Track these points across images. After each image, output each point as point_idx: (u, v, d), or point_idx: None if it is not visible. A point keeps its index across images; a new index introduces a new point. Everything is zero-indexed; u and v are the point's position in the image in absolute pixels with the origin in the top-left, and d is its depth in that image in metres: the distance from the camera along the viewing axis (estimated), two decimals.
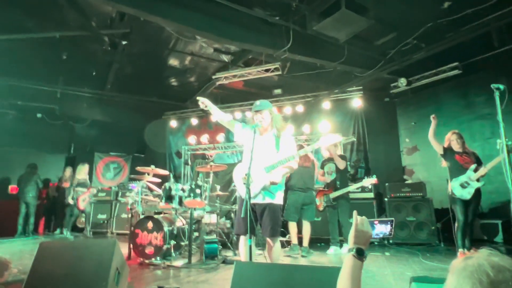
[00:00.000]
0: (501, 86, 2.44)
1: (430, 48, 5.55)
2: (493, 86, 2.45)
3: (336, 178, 5.15)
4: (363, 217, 1.25)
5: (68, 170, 7.65)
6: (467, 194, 4.06)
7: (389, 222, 1.35)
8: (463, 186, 4.12)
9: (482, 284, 0.68)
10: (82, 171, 7.23)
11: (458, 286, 0.72)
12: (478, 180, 4.06)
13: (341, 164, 5.05)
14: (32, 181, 7.20)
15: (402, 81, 6.72)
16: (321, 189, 5.38)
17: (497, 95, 2.41)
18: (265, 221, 2.74)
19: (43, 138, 8.58)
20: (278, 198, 2.83)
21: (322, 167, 5.46)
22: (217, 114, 3.16)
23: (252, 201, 2.73)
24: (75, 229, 7.77)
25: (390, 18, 5.17)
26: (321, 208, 5.28)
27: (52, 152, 8.85)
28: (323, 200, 5.21)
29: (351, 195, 5.94)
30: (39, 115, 8.60)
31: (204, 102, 3.05)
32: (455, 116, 6.77)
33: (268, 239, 2.80)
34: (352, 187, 5.14)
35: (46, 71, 6.85)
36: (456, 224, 4.23)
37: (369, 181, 5.03)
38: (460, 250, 4.06)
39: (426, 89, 7.03)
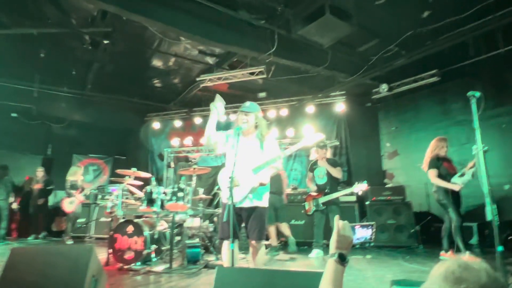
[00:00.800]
0: (477, 94, 2.53)
1: (410, 55, 5.72)
2: (469, 93, 2.53)
3: (327, 182, 5.09)
4: (345, 222, 1.25)
5: (40, 171, 7.32)
6: (467, 178, 4.14)
7: (370, 227, 1.36)
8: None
9: (448, 282, 0.72)
10: (76, 173, 6.91)
11: (429, 286, 0.77)
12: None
13: (336, 173, 5.01)
14: (3, 183, 6.83)
15: (384, 87, 6.89)
16: (311, 193, 5.31)
17: (473, 102, 2.50)
18: (252, 224, 2.72)
19: (18, 139, 8.24)
20: (265, 201, 2.81)
21: (311, 170, 5.35)
22: (212, 125, 2.95)
23: (240, 205, 2.72)
24: (52, 233, 7.49)
25: (373, 25, 5.29)
26: (309, 212, 5.21)
27: (27, 153, 8.50)
28: (312, 204, 5.16)
29: None
30: (14, 115, 8.26)
31: (217, 104, 2.88)
32: (433, 121, 7.00)
33: (253, 243, 2.77)
34: (342, 192, 5.05)
35: (23, 69, 6.59)
36: (447, 226, 4.30)
37: (360, 187, 4.85)
38: (468, 252, 3.95)
39: (406, 95, 7.24)
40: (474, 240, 5.48)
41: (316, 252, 4.94)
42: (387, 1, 4.50)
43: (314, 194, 5.17)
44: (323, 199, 5.00)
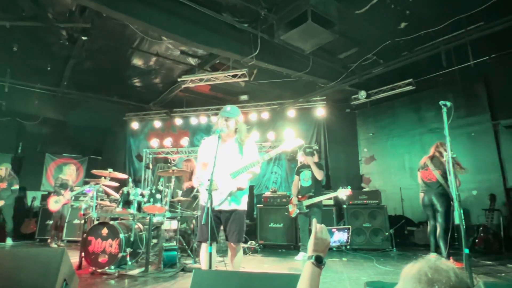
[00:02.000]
0: (448, 103, 2.65)
1: (387, 65, 5.94)
2: (441, 103, 2.66)
3: (311, 186, 5.12)
4: (322, 225, 1.28)
5: (3, 169, 6.75)
6: None
7: (346, 230, 1.40)
8: None
9: (421, 283, 0.76)
10: (68, 173, 6.55)
11: (402, 287, 0.80)
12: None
13: (319, 174, 5.05)
14: None
15: (362, 94, 7.09)
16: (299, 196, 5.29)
17: (444, 111, 2.62)
18: (231, 227, 2.73)
19: None
20: (243, 204, 2.83)
21: (297, 173, 5.37)
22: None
23: (218, 207, 2.71)
24: (19, 236, 7.13)
25: (353, 33, 5.45)
26: (292, 215, 5.25)
27: None
28: (296, 207, 5.18)
29: (313, 202, 6.10)
30: None
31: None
32: (409, 128, 7.27)
33: (232, 245, 2.78)
34: (326, 196, 5.11)
35: None
36: (442, 228, 4.35)
37: (344, 192, 4.91)
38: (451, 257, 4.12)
39: (384, 102, 7.49)
40: None
41: (302, 255, 4.96)
42: (367, 11, 4.65)
43: (299, 196, 5.21)
44: (307, 202, 5.05)
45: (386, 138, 7.65)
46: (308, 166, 5.19)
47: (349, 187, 4.95)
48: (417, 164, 4.91)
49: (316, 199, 5.00)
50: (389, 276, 3.70)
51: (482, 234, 5.25)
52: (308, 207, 5.06)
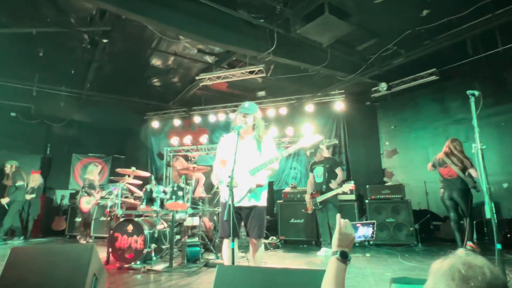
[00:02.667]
0: (476, 92, 2.54)
1: (409, 54, 5.73)
2: (468, 92, 2.54)
3: (323, 182, 5.14)
4: (346, 220, 1.26)
5: (8, 166, 6.76)
6: None
7: (371, 225, 1.37)
8: None
9: (454, 280, 0.72)
10: (94, 172, 6.75)
11: (434, 285, 0.76)
12: None
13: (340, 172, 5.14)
14: None
15: (383, 86, 6.89)
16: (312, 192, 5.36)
17: (472, 101, 2.51)
18: (252, 223, 2.75)
19: (17, 138, 8.24)
20: (263, 200, 2.85)
21: (311, 170, 5.42)
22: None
23: (238, 204, 2.74)
24: (50, 233, 7.49)
25: (371, 24, 5.30)
26: (309, 211, 5.31)
27: (26, 153, 8.49)
28: (311, 203, 5.22)
29: None
30: (13, 114, 8.24)
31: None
32: (432, 120, 7.02)
33: (253, 241, 2.80)
34: (333, 192, 5.09)
35: (22, 68, 6.57)
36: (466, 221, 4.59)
37: (347, 187, 4.98)
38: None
39: (405, 93, 7.25)
40: (473, 238, 5.50)
41: (325, 250, 4.97)
42: (385, 0, 4.51)
43: (314, 193, 5.23)
44: (319, 198, 5.07)
45: (409, 130, 7.43)
46: (321, 162, 5.23)
47: (352, 181, 5.00)
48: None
49: (326, 195, 5.01)
50: (415, 272, 3.61)
51: None
52: (321, 203, 5.06)
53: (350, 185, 4.96)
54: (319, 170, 5.26)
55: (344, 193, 6.12)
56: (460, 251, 0.82)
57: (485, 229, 5.49)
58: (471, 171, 4.45)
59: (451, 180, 4.60)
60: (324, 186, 5.10)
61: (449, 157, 4.64)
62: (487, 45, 5.31)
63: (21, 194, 6.63)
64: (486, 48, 5.41)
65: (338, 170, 5.17)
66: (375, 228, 1.40)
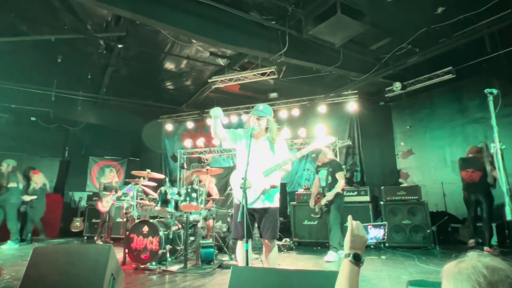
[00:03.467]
0: (495, 91, 2.47)
1: (424, 53, 5.62)
2: (486, 91, 2.48)
3: (326, 185, 4.98)
4: (358, 221, 1.25)
5: (5, 165, 6.44)
6: None
7: (382, 227, 1.35)
8: None
9: (481, 286, 0.70)
10: (109, 175, 6.85)
11: None
12: None
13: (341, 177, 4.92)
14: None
15: (397, 85, 6.77)
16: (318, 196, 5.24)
17: (490, 99, 2.44)
18: (265, 224, 2.76)
19: (37, 142, 8.52)
20: (276, 202, 2.86)
21: (317, 172, 5.28)
22: (216, 129, 2.86)
23: (252, 206, 2.75)
24: (68, 234, 7.69)
25: (385, 23, 5.22)
26: (318, 215, 5.17)
27: (46, 156, 8.76)
28: (318, 206, 5.09)
29: (348, 199, 5.95)
30: (33, 119, 8.54)
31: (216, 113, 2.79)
32: (449, 119, 6.85)
33: (266, 242, 2.81)
34: (332, 193, 4.84)
35: (41, 74, 6.81)
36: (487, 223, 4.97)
37: (338, 187, 4.80)
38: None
39: (420, 93, 7.11)
40: (493, 240, 5.33)
41: (333, 256, 4.70)
42: None
43: (319, 196, 5.11)
44: (323, 201, 4.93)
45: (425, 130, 7.27)
46: (324, 165, 5.09)
47: (341, 181, 4.86)
48: (459, 157, 5.28)
49: (326, 198, 4.85)
50: (433, 275, 3.53)
51: None
52: (326, 206, 4.91)
53: (339, 185, 4.78)
54: (323, 173, 5.09)
55: (358, 191, 6.06)
56: (473, 253, 0.80)
57: (506, 231, 5.32)
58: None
59: (473, 184, 4.98)
60: (326, 189, 4.94)
61: (471, 162, 5.07)
62: (506, 41, 5.15)
63: (14, 196, 6.28)
64: (505, 45, 5.24)
65: (339, 176, 4.89)
66: (386, 230, 1.37)
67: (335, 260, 4.47)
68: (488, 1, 4.52)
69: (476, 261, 0.75)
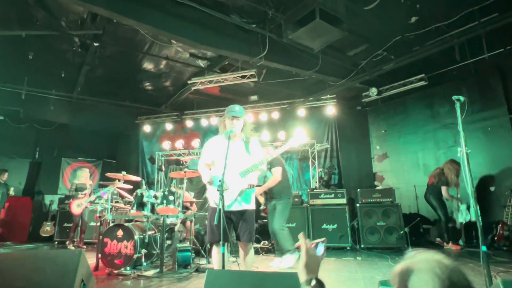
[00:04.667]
0: (462, 98, 2.60)
1: (398, 60, 5.84)
2: (454, 97, 2.60)
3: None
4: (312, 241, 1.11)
5: None
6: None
7: (322, 244, 1.21)
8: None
9: (440, 277, 0.71)
10: (82, 176, 6.61)
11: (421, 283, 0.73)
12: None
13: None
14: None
15: (373, 91, 7.00)
16: None
17: (457, 106, 2.57)
18: (242, 227, 2.75)
19: (6, 142, 8.09)
20: (253, 203, 2.87)
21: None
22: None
23: (229, 208, 2.73)
24: (38, 239, 7.34)
25: (362, 30, 5.39)
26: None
27: (15, 157, 8.34)
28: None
29: (325, 201, 6.08)
30: (1, 117, 8.11)
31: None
32: (422, 125, 7.13)
33: (243, 245, 2.80)
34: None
35: (10, 71, 6.48)
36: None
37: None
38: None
39: (395, 98, 7.36)
40: (460, 241, 5.59)
41: (278, 261, 4.44)
42: (376, 7, 4.59)
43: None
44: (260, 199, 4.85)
45: (399, 135, 7.53)
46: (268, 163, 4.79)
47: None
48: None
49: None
50: None
51: (501, 231, 5.10)
52: (265, 204, 4.75)
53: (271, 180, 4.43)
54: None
55: (335, 194, 6.13)
56: (412, 252, 0.82)
57: (473, 232, 5.58)
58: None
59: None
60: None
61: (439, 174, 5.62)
62: (473, 51, 5.45)
63: None
64: (473, 54, 5.54)
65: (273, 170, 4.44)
66: (325, 247, 1.22)
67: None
68: (457, 13, 4.78)
69: (431, 261, 0.75)
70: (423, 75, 6.48)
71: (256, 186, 2.87)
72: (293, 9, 4.72)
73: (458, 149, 2.49)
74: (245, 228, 2.74)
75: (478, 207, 2.27)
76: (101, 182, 6.32)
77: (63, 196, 7.79)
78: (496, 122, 5.96)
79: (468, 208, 5.23)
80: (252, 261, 2.86)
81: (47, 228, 7.40)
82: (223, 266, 2.31)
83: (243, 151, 2.87)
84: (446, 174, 5.45)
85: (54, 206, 7.88)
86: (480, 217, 2.25)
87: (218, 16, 4.75)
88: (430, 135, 6.95)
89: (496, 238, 5.10)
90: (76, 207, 6.24)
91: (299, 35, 4.76)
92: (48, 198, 8.37)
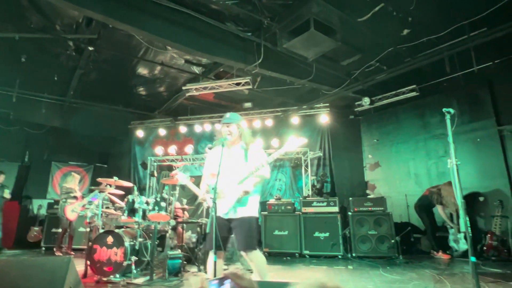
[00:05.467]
0: (452, 110, 2.66)
1: (391, 71, 5.95)
2: (444, 110, 2.66)
3: None
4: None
5: None
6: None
7: (226, 282, 1.16)
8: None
9: None
10: (71, 181, 6.50)
11: None
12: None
13: None
14: None
15: (366, 100, 7.10)
16: None
17: (448, 118, 2.62)
18: (237, 235, 2.70)
19: None
20: (251, 210, 2.77)
21: None
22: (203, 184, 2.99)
23: (227, 216, 2.71)
24: (25, 244, 7.17)
25: (356, 41, 5.48)
26: None
27: (3, 160, 8.18)
28: None
29: (317, 209, 6.11)
30: None
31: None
32: (413, 134, 7.24)
33: (243, 253, 2.72)
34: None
35: (1, 73, 6.39)
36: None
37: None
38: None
39: (387, 108, 7.48)
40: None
41: None
42: (369, 18, 4.69)
43: None
44: None
45: (391, 144, 7.62)
46: None
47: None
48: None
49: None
50: (396, 284, 3.66)
51: (489, 241, 5.17)
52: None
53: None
54: None
55: (327, 202, 6.13)
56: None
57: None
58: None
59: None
60: None
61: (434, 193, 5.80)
62: (463, 64, 5.58)
63: None
64: (462, 67, 5.68)
65: None
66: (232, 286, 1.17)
67: None
68: (448, 26, 4.90)
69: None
70: (414, 86, 6.60)
71: (254, 192, 2.81)
72: (288, 19, 4.78)
73: (448, 160, 2.54)
74: (240, 236, 2.69)
75: (467, 218, 2.31)
76: (92, 187, 6.22)
77: (52, 201, 7.65)
78: (485, 134, 6.08)
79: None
80: (262, 269, 2.70)
81: (34, 233, 7.24)
82: (215, 274, 2.29)
83: (241, 158, 2.83)
84: (444, 196, 5.56)
85: (43, 211, 7.73)
86: (469, 227, 2.29)
87: (214, 24, 4.79)
88: (421, 145, 7.05)
89: (485, 248, 5.17)
90: (71, 212, 6.10)
91: (294, 44, 4.82)
92: (36, 203, 8.21)
